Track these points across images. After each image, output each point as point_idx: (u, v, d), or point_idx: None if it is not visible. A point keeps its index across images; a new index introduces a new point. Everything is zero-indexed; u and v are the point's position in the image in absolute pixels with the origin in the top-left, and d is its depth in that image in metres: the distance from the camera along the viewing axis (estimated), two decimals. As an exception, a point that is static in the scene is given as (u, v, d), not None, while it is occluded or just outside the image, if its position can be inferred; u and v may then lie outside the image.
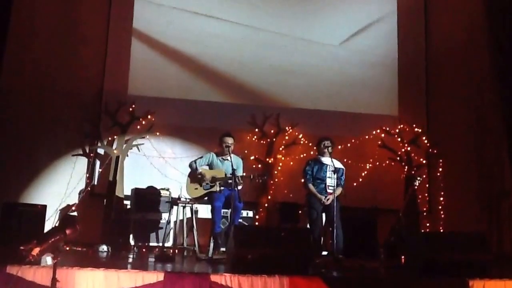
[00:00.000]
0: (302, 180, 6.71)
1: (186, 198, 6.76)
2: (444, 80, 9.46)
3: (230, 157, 6.44)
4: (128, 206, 7.93)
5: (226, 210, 6.97)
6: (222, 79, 9.07)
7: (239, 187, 6.33)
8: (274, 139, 8.84)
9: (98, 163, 8.34)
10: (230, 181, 6.21)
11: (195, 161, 6.69)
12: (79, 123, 8.39)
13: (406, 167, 8.89)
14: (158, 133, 8.51)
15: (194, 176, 6.56)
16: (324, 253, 6.68)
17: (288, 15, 9.41)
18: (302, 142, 8.87)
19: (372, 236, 7.38)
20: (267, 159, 8.72)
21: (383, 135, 9.04)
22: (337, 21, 9.54)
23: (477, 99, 9.04)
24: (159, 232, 7.48)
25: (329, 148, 6.57)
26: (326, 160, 6.61)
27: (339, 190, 6.50)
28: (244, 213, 7.71)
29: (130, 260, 6.33)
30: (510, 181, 8.30)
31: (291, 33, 9.34)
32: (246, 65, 9.16)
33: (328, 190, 6.45)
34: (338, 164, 6.65)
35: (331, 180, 6.47)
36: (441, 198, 8.99)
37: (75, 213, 7.91)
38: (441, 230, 8.69)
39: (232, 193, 6.13)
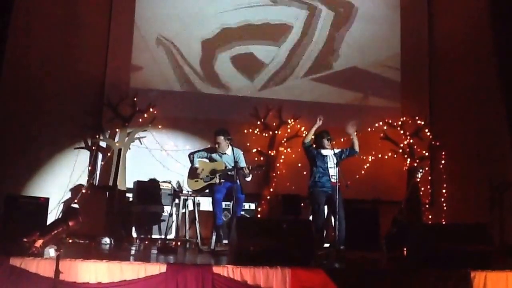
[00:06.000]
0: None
1: (188, 191, 6.77)
2: (447, 72, 9.40)
3: (233, 150, 6.41)
4: (131, 199, 7.95)
5: (228, 203, 6.97)
6: (224, 71, 9.04)
7: (248, 179, 6.34)
8: (276, 132, 8.84)
9: (100, 156, 8.37)
10: (230, 173, 6.21)
11: (193, 153, 6.70)
12: (81, 116, 8.38)
13: (409, 159, 8.89)
14: (160, 126, 8.51)
15: (194, 169, 6.57)
16: (326, 245, 6.69)
17: (291, 6, 9.37)
18: (304, 134, 8.85)
19: (374, 227, 7.39)
20: (269, 152, 8.72)
21: (385, 127, 9.03)
22: (340, 13, 9.50)
23: (479, 91, 8.99)
24: (162, 225, 7.50)
25: (330, 141, 6.57)
26: (326, 152, 6.64)
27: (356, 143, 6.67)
28: (246, 205, 7.73)
29: (133, 252, 6.35)
30: (512, 172, 8.28)
31: (293, 24, 9.30)
32: (248, 56, 9.13)
33: (332, 180, 6.47)
34: (339, 150, 6.74)
35: (333, 170, 6.48)
36: (444, 190, 8.99)
37: (77, 206, 7.93)
38: (444, 222, 8.69)
39: (234, 185, 6.13)
